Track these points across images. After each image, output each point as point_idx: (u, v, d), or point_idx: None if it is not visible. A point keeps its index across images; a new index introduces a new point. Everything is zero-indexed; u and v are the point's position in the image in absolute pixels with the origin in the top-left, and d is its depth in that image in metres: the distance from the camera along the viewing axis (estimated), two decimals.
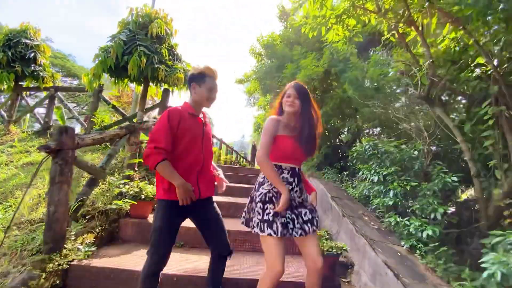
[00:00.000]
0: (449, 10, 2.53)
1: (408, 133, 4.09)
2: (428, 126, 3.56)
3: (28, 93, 6.66)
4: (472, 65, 2.77)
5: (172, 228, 1.71)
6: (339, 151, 6.73)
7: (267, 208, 1.63)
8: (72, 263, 2.09)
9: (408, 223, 2.78)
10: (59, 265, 2.00)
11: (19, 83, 5.65)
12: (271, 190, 1.66)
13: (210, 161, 1.85)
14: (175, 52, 4.48)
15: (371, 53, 6.48)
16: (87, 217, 2.56)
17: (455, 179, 2.69)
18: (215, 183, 1.92)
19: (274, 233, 1.56)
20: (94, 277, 2.08)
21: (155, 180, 1.90)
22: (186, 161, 1.70)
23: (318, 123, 1.79)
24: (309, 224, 1.68)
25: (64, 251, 2.12)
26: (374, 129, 6.09)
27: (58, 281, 1.98)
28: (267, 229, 1.58)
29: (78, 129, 6.36)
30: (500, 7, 1.87)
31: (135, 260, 2.29)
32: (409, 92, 3.75)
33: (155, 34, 3.99)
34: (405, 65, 3.54)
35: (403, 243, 2.71)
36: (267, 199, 1.65)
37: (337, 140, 7.08)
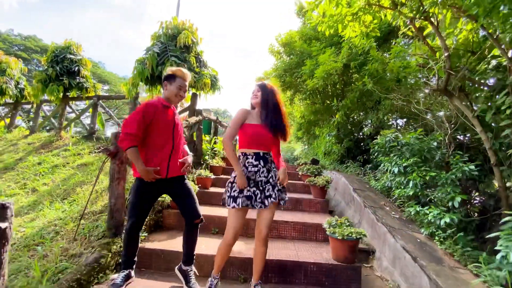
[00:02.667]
0: (460, 5, 2.60)
1: (430, 124, 4.12)
2: (450, 117, 3.59)
3: (74, 102, 7.43)
4: (489, 56, 2.81)
5: (143, 201, 2.04)
6: (361, 144, 6.73)
7: (234, 186, 1.95)
8: None
9: (427, 212, 2.91)
10: (120, 246, 2.43)
11: (66, 93, 6.39)
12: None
13: (180, 146, 2.15)
14: (201, 59, 4.85)
15: (393, 44, 6.42)
16: None
17: (473, 167, 2.76)
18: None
19: (238, 205, 1.88)
20: (148, 257, 2.50)
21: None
22: (159, 145, 2.02)
23: (282, 110, 2.05)
24: (269, 199, 1.95)
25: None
26: (397, 121, 6.07)
27: (120, 260, 2.41)
28: (232, 203, 1.91)
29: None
30: (500, 8, 1.95)
31: (178, 243, 2.66)
32: (428, 84, 3.79)
33: (182, 44, 4.38)
34: (422, 58, 3.59)
35: (422, 230, 2.85)
36: (235, 180, 1.95)
37: (360, 134, 7.09)
